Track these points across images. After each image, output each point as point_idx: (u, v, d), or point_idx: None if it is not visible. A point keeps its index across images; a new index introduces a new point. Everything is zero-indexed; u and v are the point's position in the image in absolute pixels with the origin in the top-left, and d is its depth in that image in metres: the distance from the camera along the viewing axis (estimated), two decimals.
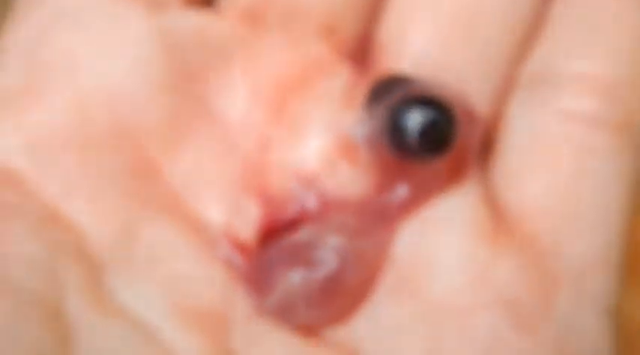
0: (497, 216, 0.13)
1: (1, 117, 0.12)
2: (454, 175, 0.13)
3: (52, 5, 0.12)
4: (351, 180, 0.12)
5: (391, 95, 0.12)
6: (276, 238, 0.12)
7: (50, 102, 0.12)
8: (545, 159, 0.13)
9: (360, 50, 0.13)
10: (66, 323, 0.11)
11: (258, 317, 0.12)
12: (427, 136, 0.12)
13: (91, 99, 0.12)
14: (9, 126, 0.12)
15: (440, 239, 0.12)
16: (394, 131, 0.12)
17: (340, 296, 0.12)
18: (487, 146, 0.13)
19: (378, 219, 0.12)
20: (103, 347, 0.11)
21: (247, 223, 0.12)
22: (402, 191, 0.12)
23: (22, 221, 0.11)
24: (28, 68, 0.12)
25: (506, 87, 0.13)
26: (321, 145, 0.12)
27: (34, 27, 0.12)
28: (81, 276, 0.11)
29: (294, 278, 0.12)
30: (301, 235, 0.12)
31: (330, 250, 0.12)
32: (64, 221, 0.11)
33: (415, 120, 0.12)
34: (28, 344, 0.10)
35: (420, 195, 0.12)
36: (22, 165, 0.12)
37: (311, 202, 0.12)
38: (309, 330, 0.12)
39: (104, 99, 0.12)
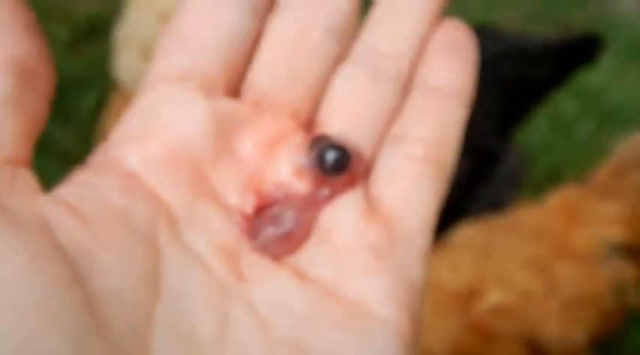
0: (372, 205, 0.23)
1: (126, 145, 0.22)
2: (350, 184, 0.23)
3: (156, 95, 0.23)
4: (300, 185, 0.23)
5: (319, 144, 0.23)
6: (262, 212, 0.23)
7: (155, 140, 0.22)
8: (396, 178, 0.24)
9: (308, 123, 0.25)
10: (159, 248, 0.20)
11: (253, 252, 0.22)
12: (335, 165, 0.23)
13: (175, 140, 0.22)
14: (131, 150, 0.22)
15: (342, 215, 0.23)
16: (320, 162, 0.23)
17: (292, 241, 0.22)
18: (368, 171, 0.24)
19: (312, 204, 0.23)
20: (176, 262, 0.20)
21: (249, 205, 0.23)
22: (324, 191, 0.23)
23: (139, 196, 0.21)
24: (143, 122, 0.22)
25: (379, 142, 0.24)
26: (286, 169, 0.23)
27: (147, 102, 0.23)
28: (167, 226, 0.21)
29: (269, 231, 0.22)
30: (274, 210, 0.23)
31: (288, 217, 0.23)
32: (159, 198, 0.21)
33: (330, 157, 0.23)
34: (138, 258, 0.20)
35: (333, 194, 0.23)
36: (138, 169, 0.22)
37: (280, 195, 0.23)
38: (276, 258, 0.22)
39: (182, 141, 0.22)
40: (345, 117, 0.25)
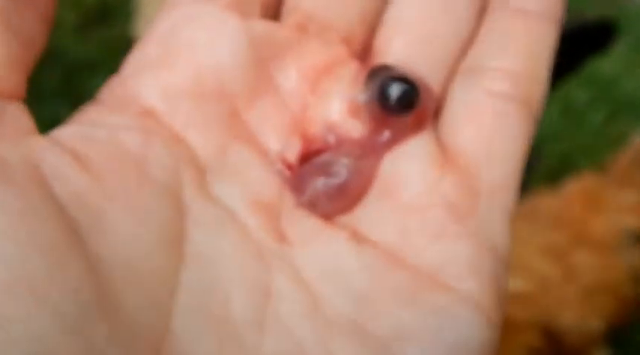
0: (444, 152, 0.19)
1: (143, 76, 0.18)
2: (418, 126, 0.19)
3: (180, 13, 0.19)
4: (356, 127, 0.19)
5: (380, 76, 0.19)
6: (309, 159, 0.19)
7: (178, 68, 0.18)
8: (474, 119, 0.19)
9: (363, 52, 0.21)
10: (182, 203, 0.17)
11: (298, 208, 0.18)
12: (400, 101, 0.19)
13: (203, 69, 0.18)
14: (149, 81, 0.18)
15: (408, 163, 0.19)
16: (381, 98, 0.19)
17: (347, 195, 0.19)
18: (438, 110, 0.20)
19: (371, 150, 0.19)
20: (204, 220, 0.17)
21: (293, 151, 0.19)
22: (386, 134, 0.19)
23: (158, 139, 0.17)
24: (163, 47, 0.19)
25: (451, 75, 0.20)
26: (338, 107, 0.20)
27: (169, 23, 0.19)
28: (193, 176, 0.17)
29: (318, 184, 0.19)
30: (324, 157, 0.19)
31: (341, 166, 0.19)
32: (183, 141, 0.18)
33: (393, 91, 0.19)
34: (157, 216, 0.16)
35: (397, 137, 0.19)
36: (158, 106, 0.18)
37: (331, 139, 0.19)
38: (327, 217, 0.18)
39: (211, 70, 0.18)
40: (408, 44, 0.20)
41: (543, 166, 1.08)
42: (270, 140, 0.19)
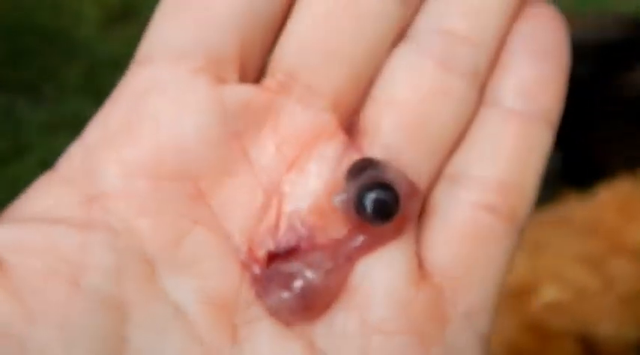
0: (421, 267, 0.18)
1: (106, 149, 0.17)
2: (397, 233, 0.18)
3: (146, 77, 0.17)
4: (331, 228, 0.18)
5: (360, 177, 0.18)
6: (278, 260, 0.18)
7: (139, 143, 0.17)
8: (455, 234, 0.18)
9: (350, 124, 0.19)
10: (124, 307, 0.16)
11: (256, 306, 0.17)
12: (378, 212, 0.18)
13: (166, 146, 0.17)
14: (109, 156, 0.17)
15: (382, 277, 0.18)
16: (358, 205, 0.18)
17: (310, 311, 0.18)
18: (422, 209, 0.19)
19: (343, 257, 0.18)
20: (147, 323, 0.16)
21: (262, 243, 0.18)
22: (361, 240, 0.18)
23: (101, 237, 0.16)
24: (126, 118, 0.17)
25: (439, 174, 0.19)
26: (314, 191, 0.18)
27: (135, 87, 0.17)
28: (138, 272, 0.16)
29: (282, 296, 0.18)
30: (291, 266, 0.18)
31: (308, 280, 0.18)
32: (134, 231, 0.16)
33: (371, 201, 0.18)
34: (94, 330, 0.15)
35: (373, 244, 0.18)
36: (113, 186, 0.17)
37: (303, 233, 0.18)
38: (288, 325, 0.17)
39: (175, 148, 0.17)
40: (399, 124, 0.18)
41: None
42: (236, 226, 0.18)
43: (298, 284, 0.18)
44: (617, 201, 0.75)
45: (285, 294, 0.17)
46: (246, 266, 0.17)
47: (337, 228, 0.18)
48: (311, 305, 0.18)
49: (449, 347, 0.17)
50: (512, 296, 0.68)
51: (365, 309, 0.17)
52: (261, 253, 0.18)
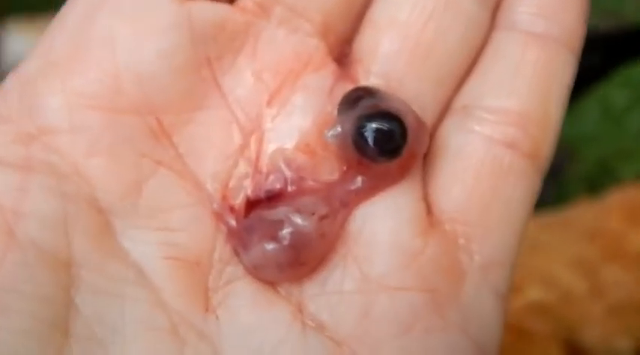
0: (430, 213, 0.15)
1: (49, 79, 0.14)
2: (402, 173, 0.15)
3: None
4: (322, 168, 0.15)
5: (358, 107, 0.15)
6: (259, 207, 0.15)
7: (90, 71, 0.14)
8: (469, 173, 0.15)
9: (340, 54, 0.16)
10: (72, 267, 0.13)
11: (233, 266, 0.14)
12: (382, 146, 0.14)
13: (123, 74, 0.14)
14: (55, 87, 0.14)
15: (384, 225, 0.15)
16: (357, 139, 0.15)
17: (300, 266, 0.14)
18: (428, 149, 0.15)
19: (338, 202, 0.15)
20: (99, 289, 0.13)
21: (239, 189, 0.14)
22: (359, 181, 0.15)
23: (42, 176, 0.13)
24: (74, 42, 0.14)
25: (447, 106, 0.16)
26: (301, 127, 0.15)
27: (80, 10, 0.15)
28: (89, 224, 0.13)
29: (265, 247, 0.14)
30: (278, 212, 0.15)
31: (296, 229, 0.14)
32: (83, 175, 0.14)
33: (373, 131, 0.14)
34: (32, 292, 0.12)
35: (374, 186, 0.15)
36: (58, 122, 0.14)
37: (289, 175, 0.14)
38: (272, 284, 0.14)
39: (134, 76, 0.14)
40: (400, 51, 0.16)
41: (579, 171, 1.04)
42: (208, 170, 0.14)
43: (286, 232, 0.14)
44: (623, 207, 0.72)
45: (270, 246, 0.14)
46: (220, 217, 0.14)
47: (330, 169, 0.15)
48: (303, 259, 0.14)
49: (465, 308, 0.14)
50: None
51: (365, 263, 0.14)
52: (238, 201, 0.14)
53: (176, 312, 0.13)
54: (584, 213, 0.73)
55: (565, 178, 0.94)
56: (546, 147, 0.16)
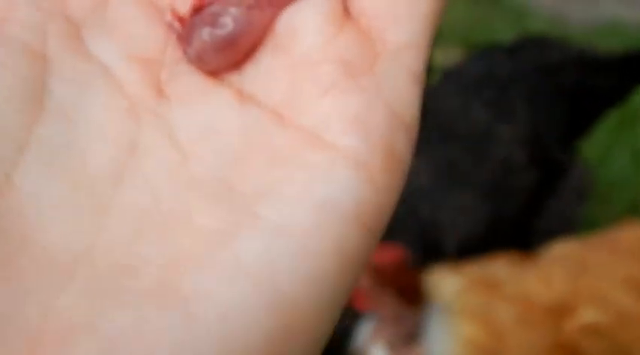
0: (346, 10, 0.18)
1: None
2: None
3: None
4: None
5: None
6: (201, 11, 0.18)
7: None
8: None
9: None
10: (46, 59, 0.16)
11: (183, 63, 0.17)
12: None
13: None
14: None
15: (307, 17, 0.17)
16: None
17: (234, 47, 0.17)
18: None
19: (269, 3, 0.18)
20: (71, 76, 0.16)
21: (185, 3, 0.18)
22: None
23: None
24: None
25: None
26: None
27: None
28: (63, 30, 0.17)
29: (204, 34, 0.17)
30: (213, 8, 0.18)
31: (229, 16, 0.17)
32: None
33: None
34: (10, 73, 0.16)
35: None
36: None
37: None
38: (215, 74, 0.17)
39: None
40: None
41: (611, 213, 1.04)
42: None
43: (218, 19, 0.17)
44: None
45: (206, 32, 0.17)
46: (170, 26, 0.18)
47: None
48: (234, 42, 0.17)
49: (379, 79, 0.17)
50: (548, 313, 0.64)
51: (291, 46, 0.17)
52: (183, 6, 0.18)
53: (134, 96, 0.17)
54: (627, 234, 0.72)
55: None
56: None
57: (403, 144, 0.17)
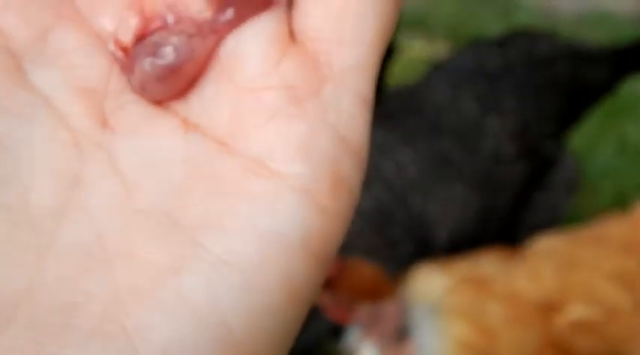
0: (291, 35, 0.17)
1: None
2: (266, 4, 0.18)
3: None
4: (197, 6, 0.18)
5: None
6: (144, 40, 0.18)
7: None
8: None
9: None
10: None
11: (126, 93, 0.17)
12: None
13: None
14: None
15: (251, 42, 0.17)
16: None
17: (176, 77, 0.17)
18: None
19: (211, 31, 0.18)
20: (12, 109, 0.16)
21: (127, 32, 0.17)
22: (229, 13, 0.18)
23: None
24: None
25: None
26: None
27: None
28: (3, 62, 0.16)
29: (145, 64, 0.17)
30: (154, 37, 0.17)
31: (170, 45, 0.17)
32: None
33: None
34: None
35: (242, 16, 0.18)
36: None
37: (171, 19, 0.18)
38: (158, 103, 0.17)
39: None
40: None
41: (596, 204, 1.04)
42: (104, 19, 0.17)
43: (161, 49, 0.17)
44: None
45: (148, 61, 0.17)
46: (113, 55, 0.17)
47: (203, 7, 0.18)
48: (176, 71, 0.17)
49: (325, 103, 0.17)
50: (537, 309, 0.65)
51: (234, 74, 0.17)
52: (127, 36, 0.17)
53: (77, 129, 0.16)
54: (615, 227, 0.72)
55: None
56: None
57: (351, 169, 0.17)
